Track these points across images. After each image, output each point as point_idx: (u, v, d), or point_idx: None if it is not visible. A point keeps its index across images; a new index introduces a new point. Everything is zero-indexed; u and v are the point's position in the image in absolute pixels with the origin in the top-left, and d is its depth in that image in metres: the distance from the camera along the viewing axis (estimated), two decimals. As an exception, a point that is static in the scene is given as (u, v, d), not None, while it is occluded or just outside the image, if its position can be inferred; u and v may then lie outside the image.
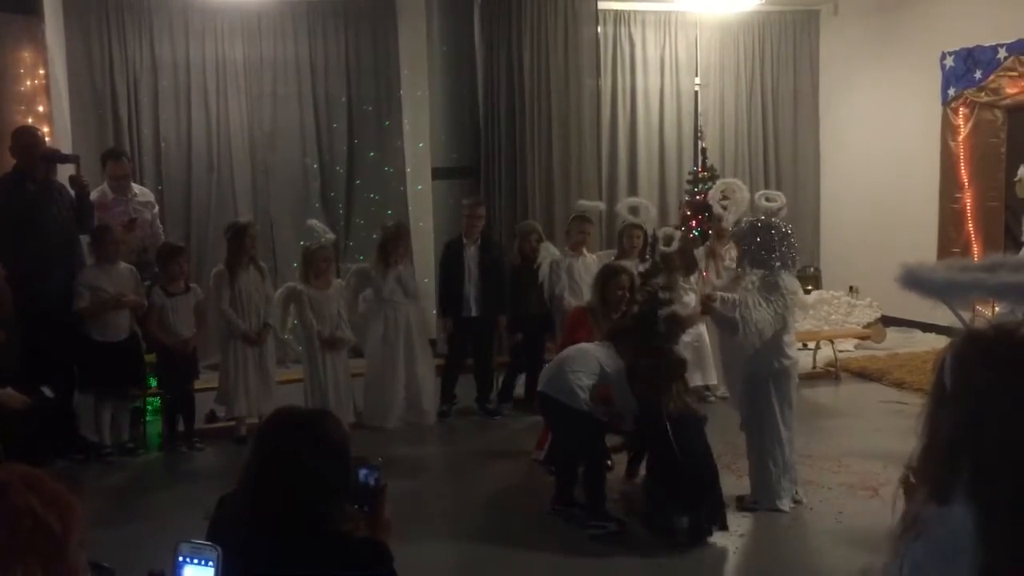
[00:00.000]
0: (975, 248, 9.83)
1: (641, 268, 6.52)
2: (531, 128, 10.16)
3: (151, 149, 9.57)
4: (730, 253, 7.59)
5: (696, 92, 11.26)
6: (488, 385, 8.09)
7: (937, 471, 1.62)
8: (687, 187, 9.88)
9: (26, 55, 7.85)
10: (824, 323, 9.86)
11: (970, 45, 9.76)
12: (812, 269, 11.35)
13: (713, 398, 7.96)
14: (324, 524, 2.44)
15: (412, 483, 6.20)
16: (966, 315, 1.71)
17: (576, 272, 7.87)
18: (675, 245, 6.75)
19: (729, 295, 5.61)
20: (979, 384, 1.59)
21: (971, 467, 1.57)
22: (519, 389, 8.05)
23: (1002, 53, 9.48)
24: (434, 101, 9.95)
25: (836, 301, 10.23)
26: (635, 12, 11.09)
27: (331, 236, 7.78)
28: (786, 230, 5.68)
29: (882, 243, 10.16)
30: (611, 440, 5.82)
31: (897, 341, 9.96)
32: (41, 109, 7.87)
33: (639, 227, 8.04)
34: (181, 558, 2.06)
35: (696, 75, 11.25)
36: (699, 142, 10.43)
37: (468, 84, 10.05)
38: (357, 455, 2.64)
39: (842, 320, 9.99)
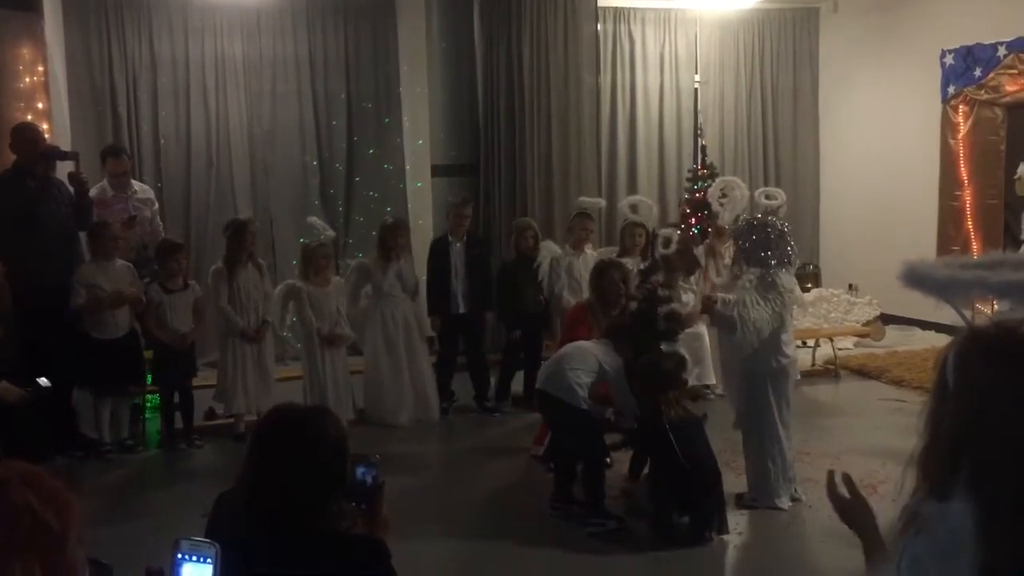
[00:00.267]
0: (974, 246, 9.83)
1: (642, 266, 6.52)
2: (531, 125, 10.16)
3: (150, 146, 9.56)
4: (730, 251, 7.59)
5: (696, 89, 11.24)
6: (484, 382, 8.09)
7: (938, 468, 1.61)
8: (687, 185, 9.86)
9: (25, 52, 7.84)
10: (823, 321, 9.86)
11: (970, 43, 9.75)
12: (811, 267, 11.35)
13: (712, 396, 7.95)
14: (322, 521, 2.44)
15: (410, 480, 6.19)
16: (967, 313, 1.71)
17: (576, 270, 7.87)
18: (673, 247, 6.75)
19: (729, 296, 5.60)
20: (981, 382, 1.59)
21: (972, 465, 1.57)
22: (518, 386, 8.04)
23: (1002, 51, 9.47)
24: (434, 98, 9.94)
25: (835, 299, 10.22)
26: (635, 9, 11.08)
27: (331, 233, 7.78)
28: (783, 229, 5.68)
29: (881, 241, 10.15)
30: (610, 438, 5.82)
31: (896, 339, 9.96)
32: (40, 106, 7.86)
33: (641, 225, 8.04)
34: (180, 555, 2.06)
35: (696, 72, 11.23)
36: (699, 139, 10.41)
37: (468, 81, 10.05)
38: (355, 453, 2.64)
39: (841, 318, 9.99)
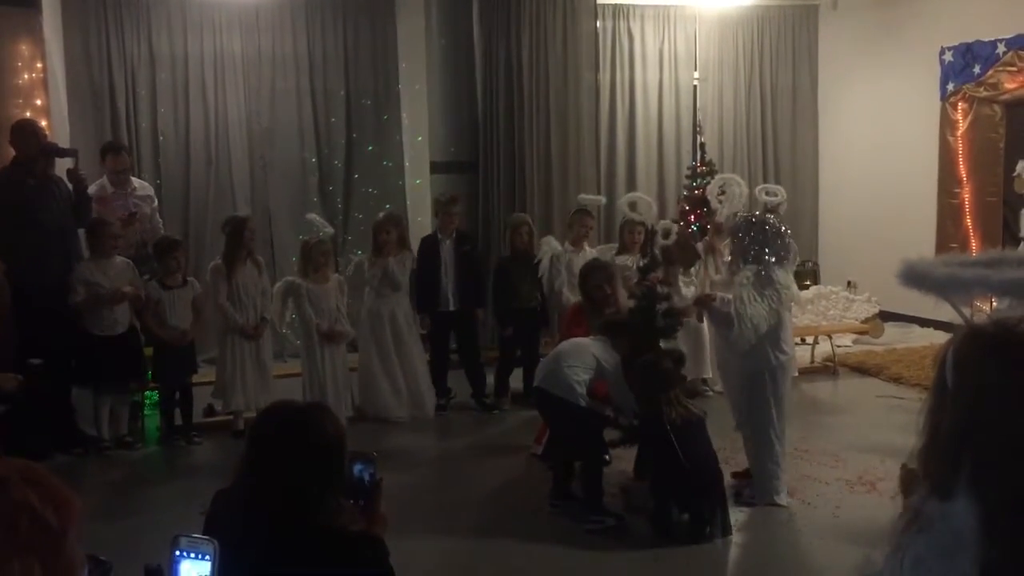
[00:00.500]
0: (973, 243, 9.83)
1: (641, 263, 6.52)
2: (530, 122, 10.16)
3: (149, 143, 9.55)
4: (729, 248, 7.60)
5: (695, 87, 11.25)
6: (480, 379, 8.08)
7: (939, 467, 1.61)
8: (686, 182, 9.86)
9: (24, 48, 7.83)
10: (822, 318, 9.86)
11: (969, 40, 9.74)
12: (810, 264, 11.35)
13: (711, 392, 7.95)
14: (320, 518, 2.44)
15: (408, 477, 6.19)
16: (967, 311, 1.71)
17: (576, 267, 7.82)
18: (673, 238, 6.72)
19: (728, 296, 5.60)
20: (980, 380, 1.59)
21: (973, 463, 1.57)
22: (517, 383, 8.04)
23: (1001, 48, 9.46)
24: (433, 95, 9.93)
25: (834, 296, 10.23)
26: (634, 6, 11.07)
27: (329, 230, 7.78)
28: (780, 226, 5.69)
29: (880, 238, 10.16)
30: (609, 435, 5.82)
31: (895, 336, 9.97)
32: (39, 103, 7.86)
33: (640, 222, 8.05)
34: (178, 552, 2.06)
35: (695, 69, 11.24)
36: (698, 137, 10.41)
37: (467, 78, 10.04)
38: (353, 449, 2.64)
39: (840, 315, 10.00)
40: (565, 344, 5.77)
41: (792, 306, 6.07)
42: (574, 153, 10.36)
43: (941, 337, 8.15)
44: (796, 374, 8.30)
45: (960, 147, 10.03)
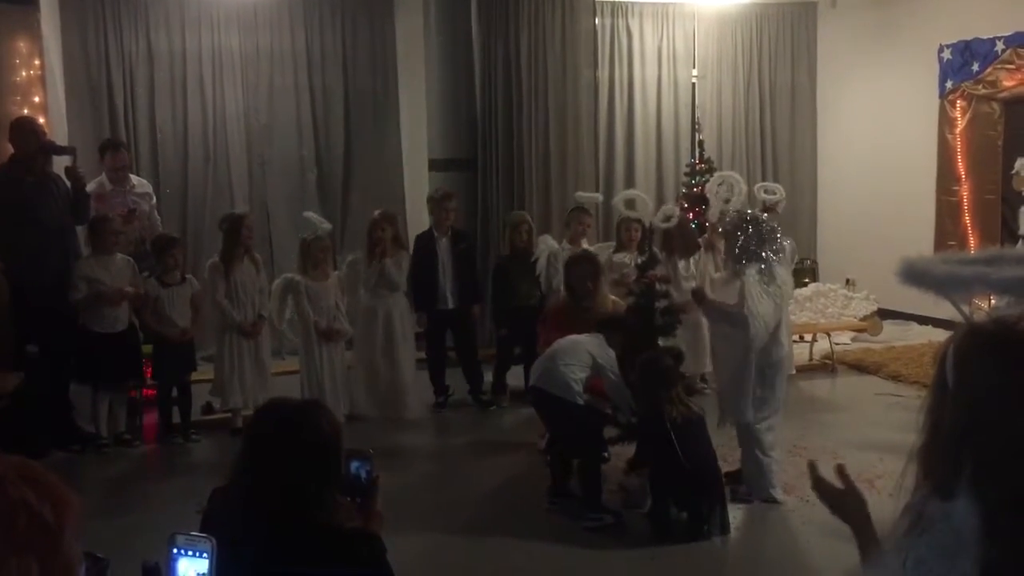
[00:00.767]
0: (972, 241, 9.83)
1: (639, 260, 6.52)
2: (528, 120, 10.15)
3: (147, 140, 9.54)
4: (724, 246, 7.60)
5: (694, 84, 11.24)
6: (478, 377, 8.07)
7: (940, 466, 1.61)
8: (684, 179, 9.87)
9: (22, 45, 7.83)
10: (820, 316, 9.86)
11: (968, 38, 9.74)
12: (809, 262, 11.35)
13: (709, 390, 7.95)
14: (316, 516, 2.44)
15: (406, 475, 6.19)
16: (966, 309, 1.70)
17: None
18: (674, 221, 6.70)
19: (715, 299, 5.61)
20: (981, 379, 1.58)
21: (973, 463, 1.57)
22: (515, 381, 8.03)
23: (1000, 46, 9.46)
24: (431, 92, 9.92)
25: (833, 294, 10.23)
26: (632, 3, 11.06)
27: (327, 227, 7.76)
28: (773, 224, 5.73)
29: (879, 236, 10.15)
30: (607, 432, 5.82)
31: (893, 334, 9.97)
32: (37, 100, 7.86)
33: (637, 220, 8.05)
34: (176, 550, 2.06)
35: (694, 67, 11.23)
36: (696, 134, 10.41)
37: (465, 75, 10.03)
38: (350, 447, 2.64)
39: (838, 313, 10.00)
40: (561, 341, 5.76)
41: (791, 303, 6.08)
42: (573, 151, 10.35)
43: (940, 335, 8.16)
44: (793, 371, 8.34)
45: (959, 145, 10.03)
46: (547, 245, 8.03)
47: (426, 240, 8.03)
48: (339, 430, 2.58)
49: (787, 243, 8.16)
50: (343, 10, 10.11)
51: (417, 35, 10.01)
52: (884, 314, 10.08)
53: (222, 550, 2.08)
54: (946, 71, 10.05)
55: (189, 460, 6.86)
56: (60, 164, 7.08)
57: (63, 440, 6.82)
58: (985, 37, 9.57)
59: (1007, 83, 9.50)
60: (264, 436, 2.55)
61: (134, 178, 8.07)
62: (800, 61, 11.75)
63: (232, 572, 2.20)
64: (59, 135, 8.01)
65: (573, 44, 10.33)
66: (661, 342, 5.89)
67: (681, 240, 7.97)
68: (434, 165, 9.93)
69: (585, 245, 8.09)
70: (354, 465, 2.65)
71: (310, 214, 7.96)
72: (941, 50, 10.05)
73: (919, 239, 9.47)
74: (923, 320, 9.70)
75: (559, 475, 5.73)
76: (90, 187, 7.34)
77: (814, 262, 11.52)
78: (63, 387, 6.91)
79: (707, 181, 8.79)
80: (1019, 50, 9.28)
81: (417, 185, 10.15)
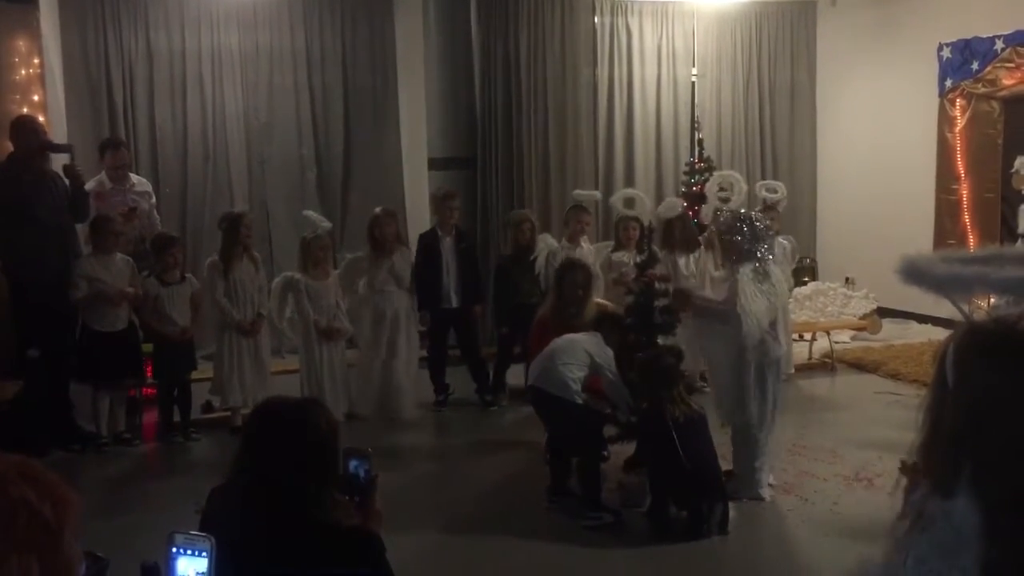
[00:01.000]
0: (971, 240, 9.83)
1: (638, 259, 6.52)
2: (528, 118, 10.15)
3: (147, 139, 9.53)
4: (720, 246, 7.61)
5: (693, 83, 11.23)
6: (484, 375, 8.07)
7: (940, 465, 1.61)
8: (684, 178, 9.87)
9: (21, 44, 7.83)
10: (820, 314, 9.86)
11: (967, 36, 9.74)
12: (808, 260, 11.34)
13: (707, 389, 7.94)
14: (315, 514, 2.44)
15: (406, 474, 6.20)
16: (966, 308, 1.70)
17: (573, 263, 7.85)
18: (679, 211, 6.64)
19: (707, 294, 5.62)
20: (980, 379, 1.58)
21: (974, 462, 1.57)
22: (516, 380, 8.03)
23: (999, 44, 9.46)
24: (431, 91, 9.92)
25: (832, 292, 10.22)
26: (632, 2, 11.04)
27: (327, 225, 7.76)
28: (766, 222, 5.75)
29: (878, 234, 10.15)
30: (607, 431, 5.82)
31: (893, 332, 9.97)
32: (36, 98, 7.85)
33: (635, 218, 8.05)
34: (175, 549, 2.06)
35: (693, 66, 11.22)
36: (696, 133, 10.41)
37: (465, 74, 10.03)
38: (349, 446, 2.64)
39: (838, 311, 9.99)
40: (558, 341, 5.75)
41: (790, 301, 6.08)
42: (572, 149, 10.35)
43: (939, 333, 8.15)
44: (793, 371, 8.35)
45: (958, 143, 10.03)
46: (546, 244, 8.04)
47: (430, 239, 8.02)
48: (337, 429, 2.58)
49: (788, 241, 8.21)
50: (343, 9, 10.10)
51: (417, 34, 10.00)
52: (883, 313, 10.07)
53: (221, 550, 2.08)
54: (946, 70, 10.05)
55: (189, 459, 6.86)
56: (59, 163, 7.07)
57: (63, 439, 6.82)
58: (985, 36, 9.57)
59: (1007, 82, 9.50)
60: (262, 435, 2.55)
61: (134, 177, 8.06)
62: (800, 59, 11.74)
63: (231, 572, 2.20)
64: (58, 134, 8.00)
65: (572, 43, 10.33)
66: (660, 341, 5.88)
67: (682, 235, 7.98)
68: (434, 164, 9.93)
69: (584, 243, 8.11)
70: (353, 464, 2.65)
71: (310, 213, 7.95)
72: (941, 48, 10.04)
73: (918, 238, 9.47)
74: (922, 319, 9.70)
75: (558, 474, 5.73)
76: (90, 185, 7.34)
77: (813, 261, 11.52)
78: (63, 386, 6.91)
79: (706, 180, 8.80)
80: (1019, 49, 9.28)
81: (417, 184, 10.15)
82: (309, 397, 5.89)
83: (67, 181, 6.95)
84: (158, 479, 6.54)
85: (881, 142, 10.82)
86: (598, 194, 9.47)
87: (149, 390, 7.48)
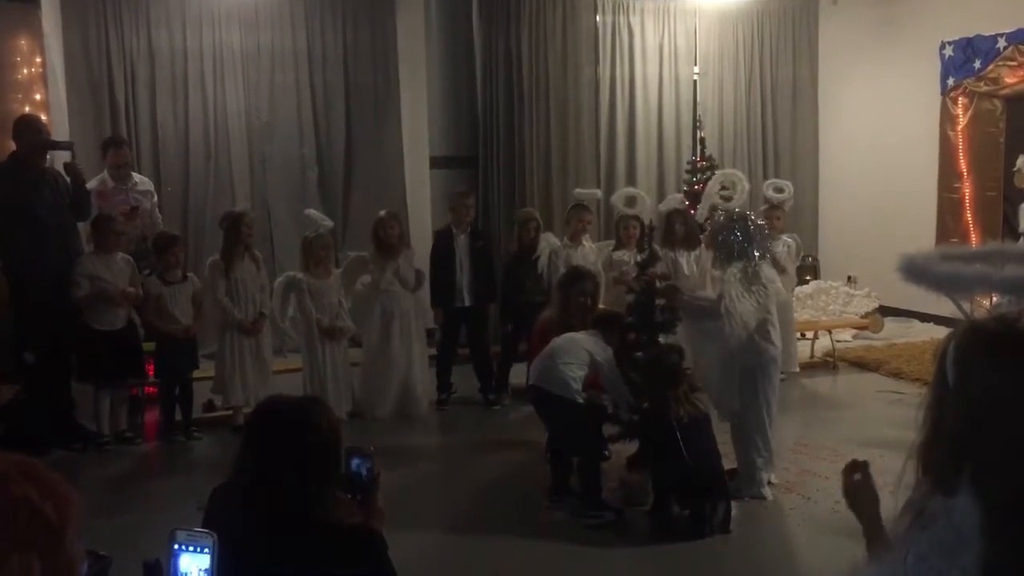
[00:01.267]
0: (973, 238, 9.82)
1: (639, 258, 6.52)
2: (530, 117, 10.15)
3: (148, 138, 9.53)
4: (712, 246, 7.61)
5: (695, 81, 11.22)
6: (489, 374, 8.07)
7: (941, 464, 1.61)
8: (686, 176, 9.85)
9: (23, 43, 7.84)
10: (822, 313, 9.86)
11: (970, 35, 9.73)
12: (810, 259, 11.34)
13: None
14: (316, 513, 2.44)
15: (408, 472, 6.19)
16: (967, 306, 1.70)
17: (574, 262, 7.84)
18: (684, 205, 6.60)
19: (702, 295, 5.62)
20: (981, 378, 1.58)
21: (975, 461, 1.57)
22: (521, 379, 8.02)
23: (1001, 43, 9.45)
24: (432, 90, 9.92)
25: (834, 291, 10.22)
26: (634, 1, 11.05)
27: (329, 224, 7.76)
28: (760, 222, 5.74)
29: (880, 233, 10.14)
30: (609, 430, 5.82)
31: (895, 331, 9.97)
32: (38, 97, 7.87)
33: (636, 217, 8.05)
34: (177, 546, 2.06)
35: (695, 64, 11.21)
36: (698, 132, 10.40)
37: (466, 73, 10.03)
38: (351, 444, 2.64)
39: (840, 310, 9.99)
40: (558, 340, 5.75)
41: (793, 301, 6.07)
42: (574, 148, 10.35)
43: (941, 332, 8.12)
44: (798, 369, 8.35)
45: (960, 142, 10.02)
46: (548, 243, 8.04)
47: (444, 237, 8.02)
48: (338, 427, 2.58)
49: (792, 239, 8.22)
50: (344, 7, 10.10)
51: (418, 32, 10.00)
52: (885, 311, 10.07)
53: (223, 548, 2.08)
54: (948, 68, 10.04)
55: (190, 458, 6.86)
56: (60, 161, 7.07)
57: (65, 438, 6.82)
58: (987, 34, 9.56)
59: (1009, 80, 9.49)
60: (263, 434, 2.55)
61: (136, 176, 8.06)
62: (801, 58, 11.73)
63: (233, 571, 2.20)
64: (60, 132, 8.01)
65: (574, 41, 10.33)
66: (662, 339, 5.88)
67: (683, 232, 7.97)
68: (435, 163, 9.93)
69: (586, 242, 8.11)
70: (355, 462, 2.65)
71: (311, 212, 7.95)
72: (943, 47, 10.04)
73: (920, 236, 9.45)
74: (925, 317, 9.70)
75: (559, 473, 5.73)
76: (92, 184, 7.34)
77: (815, 259, 11.51)
78: (65, 385, 6.91)
79: (708, 178, 8.79)
80: (1021, 47, 9.27)
81: (418, 183, 10.16)
82: (310, 396, 5.86)
83: (68, 179, 6.96)
84: (160, 478, 6.55)
85: (883, 140, 10.81)
86: (598, 192, 9.47)
87: (151, 389, 7.49)
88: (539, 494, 5.74)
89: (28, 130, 6.82)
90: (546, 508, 5.62)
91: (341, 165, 10.20)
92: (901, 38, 10.55)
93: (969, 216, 9.97)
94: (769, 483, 5.72)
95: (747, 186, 8.49)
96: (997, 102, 9.79)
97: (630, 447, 5.91)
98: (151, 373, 7.29)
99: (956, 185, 10.07)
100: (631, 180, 10.67)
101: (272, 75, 9.90)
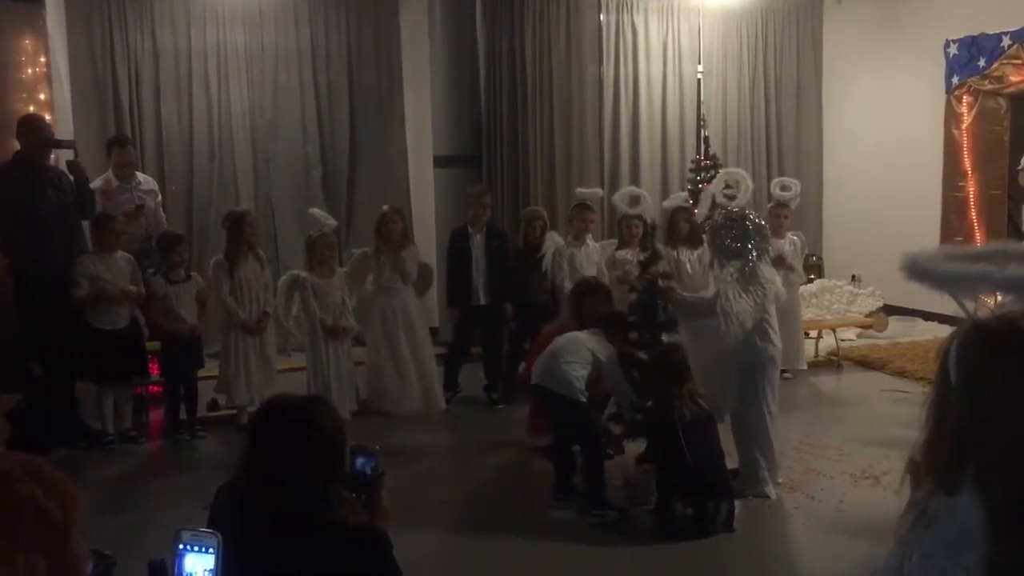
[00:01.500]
0: (978, 237, 9.80)
1: (641, 257, 6.52)
2: (533, 116, 10.15)
3: (152, 137, 9.55)
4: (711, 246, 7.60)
5: (699, 80, 11.21)
6: (498, 374, 8.06)
7: (944, 463, 1.61)
8: (690, 175, 9.85)
9: (27, 43, 7.85)
10: (826, 312, 9.85)
11: (974, 33, 9.71)
12: (814, 258, 11.32)
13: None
14: (320, 512, 2.44)
15: (411, 471, 6.19)
16: (970, 305, 1.70)
17: (578, 261, 7.85)
18: (689, 203, 6.58)
19: (701, 294, 5.61)
20: (984, 377, 1.58)
21: (978, 460, 1.56)
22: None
23: (1006, 41, 9.43)
24: (436, 89, 9.92)
25: (838, 290, 10.21)
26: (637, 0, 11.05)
27: (333, 223, 7.76)
28: (759, 221, 5.71)
29: (885, 232, 10.13)
30: (614, 429, 5.81)
31: (899, 330, 9.96)
32: (42, 97, 7.88)
33: (638, 216, 8.04)
34: (182, 545, 2.06)
35: (699, 63, 11.21)
36: (702, 130, 10.40)
37: (470, 72, 10.03)
38: (356, 443, 2.64)
39: (844, 309, 9.98)
40: (561, 339, 5.75)
41: (799, 300, 6.06)
42: (577, 147, 10.35)
43: (945, 331, 8.09)
44: (805, 367, 8.34)
45: (965, 140, 10.01)
46: (552, 242, 8.04)
47: (460, 236, 8.01)
48: (342, 426, 2.58)
49: (798, 237, 8.22)
50: (348, 7, 10.11)
51: (422, 32, 10.00)
52: (890, 310, 10.06)
53: (228, 548, 2.08)
54: (952, 66, 10.02)
55: (195, 457, 6.87)
56: (64, 159, 7.08)
57: (69, 437, 6.82)
58: (991, 32, 9.54)
59: (1013, 78, 9.47)
60: (268, 433, 2.56)
61: (140, 175, 8.07)
62: (805, 57, 11.72)
63: (238, 570, 2.20)
64: (65, 132, 8.03)
65: (578, 40, 10.33)
66: (665, 338, 5.88)
67: (686, 229, 7.97)
68: (439, 162, 9.93)
69: (589, 241, 8.10)
70: (359, 461, 2.65)
71: (315, 211, 7.95)
72: (947, 45, 10.02)
73: (925, 235, 9.43)
74: (929, 316, 9.69)
75: (563, 472, 5.73)
76: (96, 183, 7.35)
77: (819, 258, 11.49)
78: (69, 384, 6.92)
79: (712, 177, 8.78)
80: (1025, 45, 9.26)
81: (422, 182, 10.17)
82: (315, 395, 5.87)
83: (72, 177, 6.97)
84: (164, 477, 6.55)
85: (887, 139, 10.79)
86: (600, 191, 9.46)
87: (155, 388, 7.50)
88: (543, 493, 5.74)
89: (32, 129, 6.83)
90: (550, 507, 5.62)
91: (345, 164, 10.21)
92: (905, 36, 10.53)
93: (973, 215, 9.96)
94: (775, 482, 5.71)
95: (751, 185, 8.48)
96: (1002, 100, 9.77)
97: (638, 446, 5.92)
98: (155, 372, 7.30)
99: (960, 184, 10.06)
100: (635, 179, 10.67)
101: (276, 75, 9.92)
